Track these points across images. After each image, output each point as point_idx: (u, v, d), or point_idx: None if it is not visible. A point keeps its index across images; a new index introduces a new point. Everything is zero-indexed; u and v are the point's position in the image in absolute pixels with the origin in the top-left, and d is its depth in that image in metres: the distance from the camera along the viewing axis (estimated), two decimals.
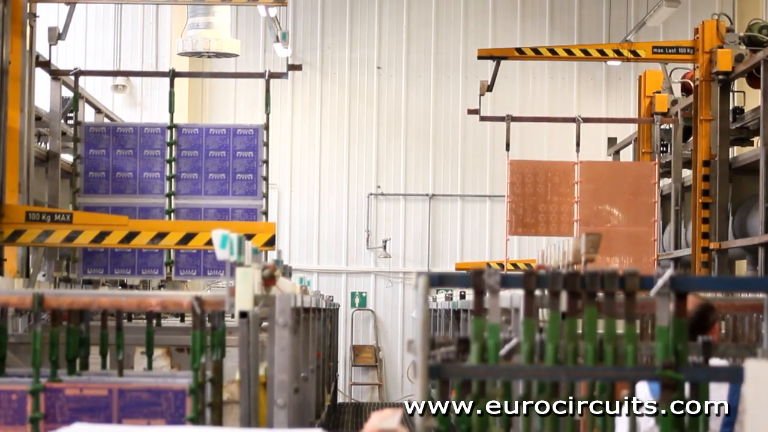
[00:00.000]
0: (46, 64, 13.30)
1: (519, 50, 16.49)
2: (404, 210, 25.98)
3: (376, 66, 26.02)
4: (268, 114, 13.26)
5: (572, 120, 17.12)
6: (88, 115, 15.10)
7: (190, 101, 25.39)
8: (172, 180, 12.81)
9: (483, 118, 17.34)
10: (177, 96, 25.18)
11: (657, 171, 16.42)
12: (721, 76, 15.55)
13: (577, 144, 16.62)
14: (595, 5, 25.97)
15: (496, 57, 16.65)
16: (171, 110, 13.13)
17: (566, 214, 16.31)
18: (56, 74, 13.58)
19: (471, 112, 17.25)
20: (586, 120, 17.41)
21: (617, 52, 16.21)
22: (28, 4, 11.85)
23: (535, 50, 16.53)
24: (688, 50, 16.03)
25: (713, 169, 15.45)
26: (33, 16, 12.05)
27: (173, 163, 12.88)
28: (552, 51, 16.46)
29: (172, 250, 12.62)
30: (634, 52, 16.14)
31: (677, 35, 25.89)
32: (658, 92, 18.32)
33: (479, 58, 16.99)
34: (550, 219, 16.37)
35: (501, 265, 20.65)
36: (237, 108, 25.79)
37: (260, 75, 13.61)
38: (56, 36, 12.91)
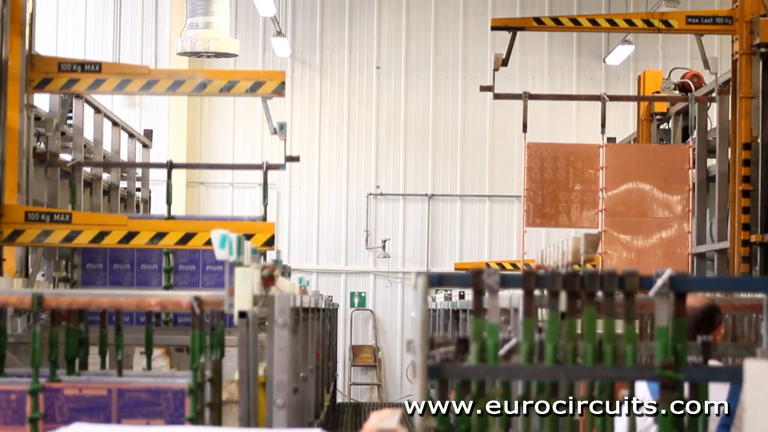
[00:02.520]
0: (42, 155, 13.18)
1: (537, 20, 14.78)
2: (403, 210, 25.99)
3: (375, 66, 26.03)
4: (265, 206, 12.78)
5: (597, 98, 15.59)
6: (87, 116, 15.09)
7: (189, 100, 25.39)
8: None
9: (497, 96, 15.58)
10: (175, 97, 25.23)
11: (691, 155, 14.80)
12: (762, 49, 13.98)
13: (603, 125, 15.08)
14: (594, 5, 25.97)
15: (512, 28, 14.82)
16: (168, 202, 12.59)
17: (590, 203, 14.69)
18: (53, 165, 13.38)
19: (483, 89, 15.55)
20: (613, 98, 15.82)
21: (647, 22, 14.48)
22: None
23: (556, 20, 14.85)
24: (726, 20, 14.32)
25: (755, 153, 13.87)
26: (30, 107, 11.93)
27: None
28: (575, 21, 14.82)
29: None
30: (665, 22, 14.45)
31: (676, 35, 25.90)
32: (657, 92, 18.31)
33: (493, 28, 15.29)
34: (572, 209, 14.70)
35: (500, 265, 20.64)
36: (236, 102, 25.79)
37: (257, 167, 13.52)
38: (54, 126, 12.84)
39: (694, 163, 14.99)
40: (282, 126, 12.67)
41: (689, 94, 15.83)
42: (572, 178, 14.75)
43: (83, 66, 11.86)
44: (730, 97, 14.62)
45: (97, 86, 11.89)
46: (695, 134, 15.61)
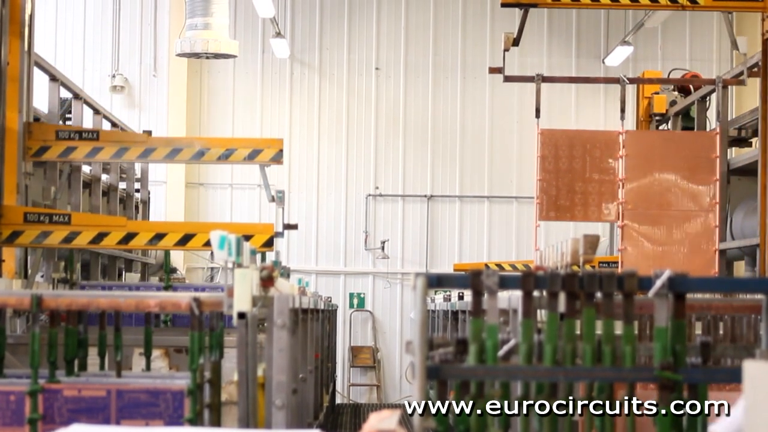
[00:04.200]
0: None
1: None
2: (403, 211, 25.98)
3: (374, 67, 26.02)
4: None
5: (616, 81, 14.66)
6: (87, 117, 15.09)
7: (188, 101, 25.39)
8: None
9: (507, 78, 14.64)
10: (174, 97, 25.23)
11: (719, 142, 13.73)
12: None
13: (622, 110, 14.07)
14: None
15: (524, 5, 13.79)
16: (167, 270, 12.60)
17: (609, 194, 13.60)
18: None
19: (493, 70, 14.58)
20: (632, 81, 15.01)
21: None
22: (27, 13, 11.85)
23: None
24: None
25: None
26: (28, 175, 11.86)
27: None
28: None
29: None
30: (691, 0, 13.24)
31: (675, 36, 25.92)
32: (657, 93, 18.32)
33: (503, 5, 14.03)
34: (589, 201, 13.56)
35: (499, 266, 20.62)
36: (236, 103, 25.80)
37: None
38: (52, 194, 12.84)
39: (721, 150, 13.97)
40: (280, 195, 12.54)
41: (716, 77, 14.93)
42: (589, 167, 13.71)
43: (81, 134, 11.85)
44: (760, 80, 13.66)
45: (95, 154, 11.84)
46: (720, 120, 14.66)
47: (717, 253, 13.58)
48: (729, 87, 15.22)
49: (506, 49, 14.29)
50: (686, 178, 13.65)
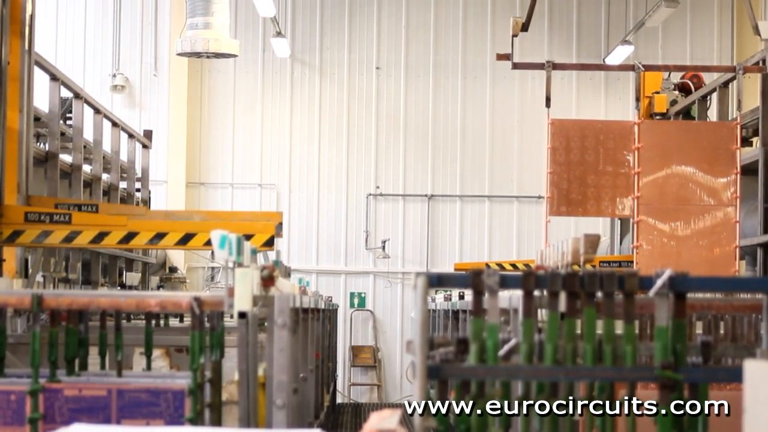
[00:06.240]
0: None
1: None
2: (403, 210, 25.98)
3: (375, 66, 26.02)
4: None
5: (630, 68, 14.29)
6: (87, 116, 15.09)
7: (189, 100, 25.39)
8: None
9: (516, 66, 14.26)
10: (175, 96, 25.20)
11: (739, 133, 13.17)
12: None
13: (637, 99, 13.87)
14: (593, 7, 25.97)
15: None
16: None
17: (623, 188, 13.01)
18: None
19: (501, 57, 14.15)
20: (648, 68, 14.68)
21: None
22: (29, 5, 11.84)
23: None
24: None
25: None
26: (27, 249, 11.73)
27: None
28: None
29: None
30: None
31: (676, 36, 25.92)
32: (657, 92, 18.30)
33: None
34: (602, 195, 12.98)
35: (500, 266, 20.61)
36: (236, 103, 25.79)
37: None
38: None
39: (741, 141, 13.43)
40: (277, 263, 12.42)
41: (736, 63, 14.35)
42: (602, 159, 13.10)
43: (80, 207, 11.83)
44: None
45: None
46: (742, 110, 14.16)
47: (738, 249, 13.08)
48: (729, 85, 15.25)
49: (515, 35, 13.72)
50: (704, 170, 13.07)
